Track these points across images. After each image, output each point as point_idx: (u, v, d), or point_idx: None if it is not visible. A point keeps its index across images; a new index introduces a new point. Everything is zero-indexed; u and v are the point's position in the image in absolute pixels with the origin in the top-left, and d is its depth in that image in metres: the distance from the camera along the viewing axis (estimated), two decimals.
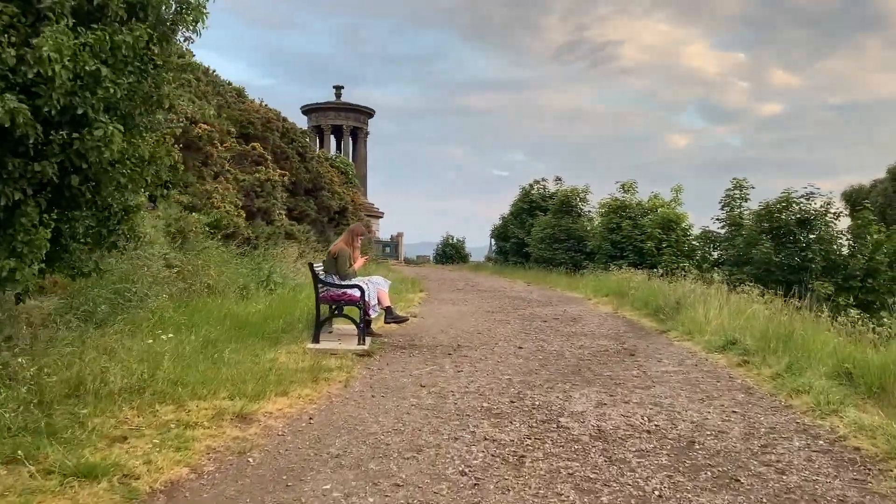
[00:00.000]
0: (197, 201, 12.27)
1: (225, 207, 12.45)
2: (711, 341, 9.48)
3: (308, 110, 46.24)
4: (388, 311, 9.15)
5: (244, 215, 13.48)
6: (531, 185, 34.53)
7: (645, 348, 9.53)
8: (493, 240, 37.73)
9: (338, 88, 45.86)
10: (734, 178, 24.62)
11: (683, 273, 17.37)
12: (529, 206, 33.66)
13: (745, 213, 24.15)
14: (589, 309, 15.33)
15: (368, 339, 8.80)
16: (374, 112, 47.20)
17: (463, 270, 34.57)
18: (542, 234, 29.92)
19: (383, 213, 47.37)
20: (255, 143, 16.26)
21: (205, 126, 12.82)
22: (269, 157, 17.19)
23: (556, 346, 9.64)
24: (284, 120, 22.68)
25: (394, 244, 46.12)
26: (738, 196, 24.41)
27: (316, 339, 8.32)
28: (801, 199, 21.09)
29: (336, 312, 8.56)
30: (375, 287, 9.00)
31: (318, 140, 46.24)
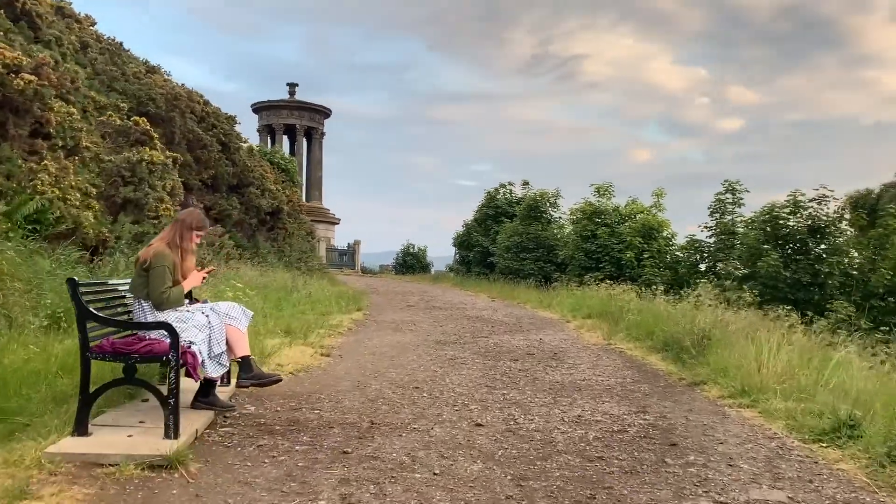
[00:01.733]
0: (10, 184, 8.05)
1: (56, 193, 8.23)
2: (795, 414, 5.54)
3: (259, 108, 41.82)
4: (244, 364, 5.02)
5: (97, 207, 9.25)
6: (496, 189, 30.63)
7: (685, 425, 5.55)
8: (455, 249, 33.73)
9: (291, 86, 41.55)
10: (725, 181, 20.97)
11: (687, 290, 13.48)
12: (495, 211, 29.74)
13: (738, 220, 20.60)
14: (571, 337, 11.36)
15: (200, 418, 4.71)
16: (331, 112, 42.97)
17: (422, 282, 30.44)
18: (509, 243, 26.00)
19: (339, 220, 43.13)
20: (137, 118, 12.01)
21: (30, 77, 8.58)
22: (160, 139, 12.94)
23: (538, 419, 5.61)
24: (205, 103, 18.42)
25: (350, 252, 41.84)
26: (729, 201, 20.79)
27: (81, 430, 4.17)
28: (811, 204, 17.46)
29: (128, 375, 4.38)
30: (221, 323, 4.90)
31: (269, 140, 41.85)
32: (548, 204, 26.80)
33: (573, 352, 9.65)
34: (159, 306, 4.78)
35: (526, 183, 28.47)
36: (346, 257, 41.78)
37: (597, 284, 18.88)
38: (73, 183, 8.93)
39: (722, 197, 20.88)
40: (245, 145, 20.87)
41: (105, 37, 17.28)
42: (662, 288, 14.55)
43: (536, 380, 7.39)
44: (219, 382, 5.18)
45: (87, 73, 13.72)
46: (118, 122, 11.77)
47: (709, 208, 21.06)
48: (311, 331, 9.78)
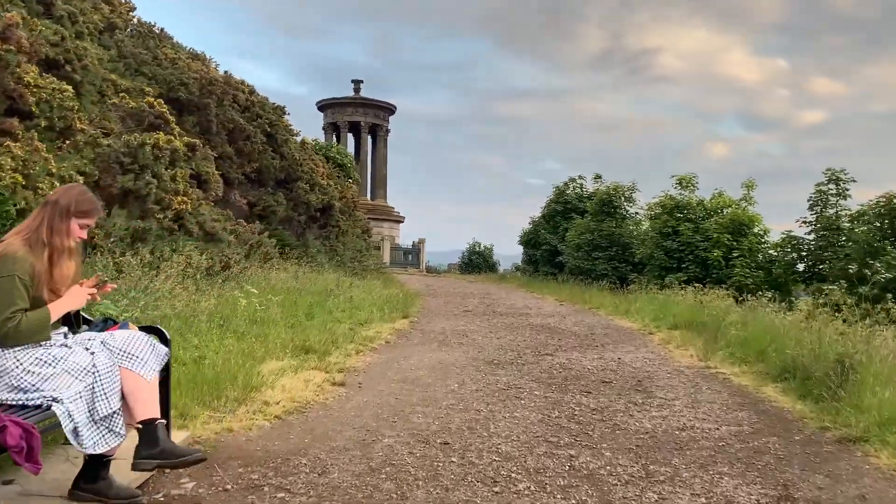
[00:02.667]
0: None
1: (19, 181, 6.59)
2: None
3: (324, 106, 40.57)
4: (145, 433, 3.09)
5: None
6: (566, 184, 28.22)
7: None
8: (522, 248, 31.44)
9: (356, 83, 40.11)
10: (828, 170, 18.05)
11: (797, 297, 10.96)
12: (564, 207, 27.34)
13: (844, 213, 17.71)
14: (657, 355, 9.08)
15: None
16: (395, 108, 41.32)
17: (486, 282, 28.29)
18: (579, 241, 23.60)
19: (404, 218, 41.41)
20: (151, 99, 10.40)
21: None
22: (193, 128, 11.37)
23: None
24: (250, 92, 16.87)
25: (415, 251, 40.09)
26: (832, 193, 17.90)
27: None
28: None
29: None
30: (114, 366, 3.00)
31: (334, 138, 40.54)
32: (622, 198, 24.21)
33: (662, 378, 7.42)
34: (15, 339, 2.91)
35: (598, 176, 25.99)
36: (411, 256, 40.08)
37: (682, 288, 16.42)
38: (53, 169, 7.27)
39: (824, 188, 18.02)
40: (296, 138, 19.28)
41: (145, 22, 15.94)
42: (769, 294, 12.04)
43: (617, 428, 5.23)
44: (113, 457, 3.26)
45: (111, 55, 12.28)
46: (131, 104, 10.19)
47: (808, 200, 18.23)
48: (337, 346, 7.88)
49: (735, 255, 19.07)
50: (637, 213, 24.40)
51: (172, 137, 9.66)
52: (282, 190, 16.92)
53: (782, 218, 70.76)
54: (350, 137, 41.06)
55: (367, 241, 22.87)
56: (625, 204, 24.33)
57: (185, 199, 9.67)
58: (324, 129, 40.48)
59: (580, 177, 27.90)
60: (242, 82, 16.74)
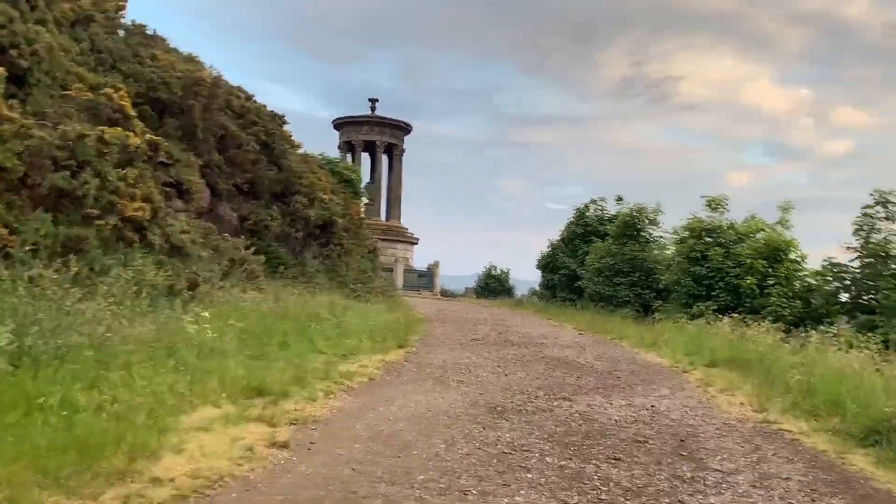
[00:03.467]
0: None
1: None
2: None
3: (340, 124, 39.30)
4: None
5: None
6: (587, 206, 26.51)
7: None
8: (540, 272, 29.68)
9: (372, 101, 38.84)
10: (875, 191, 16.26)
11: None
12: (584, 230, 25.60)
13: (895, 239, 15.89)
14: (698, 401, 7.32)
15: None
16: (411, 128, 39.96)
17: (501, 307, 26.52)
18: (600, 265, 21.86)
19: (418, 240, 39.86)
20: (110, 91, 8.93)
21: None
22: (176, 131, 9.91)
23: None
24: (247, 98, 15.47)
25: (430, 274, 38.42)
26: (881, 216, 16.09)
27: None
28: None
29: None
30: None
31: (349, 156, 39.24)
32: (646, 221, 22.47)
33: (711, 436, 5.68)
34: None
35: (620, 199, 24.24)
36: (425, 279, 38.43)
37: (714, 318, 14.63)
38: None
39: (870, 211, 16.21)
40: (299, 151, 17.84)
41: (138, 24, 14.61)
42: (832, 328, 10.25)
43: None
44: None
45: (82, 48, 10.90)
46: (90, 96, 8.73)
47: (853, 224, 16.43)
48: (302, 387, 6.25)
49: (770, 282, 17.25)
50: (661, 236, 22.68)
51: (131, 133, 8.16)
52: (278, 204, 15.43)
53: (808, 247, 68.22)
54: (366, 158, 39.75)
55: (374, 262, 21.29)
56: (648, 227, 22.59)
57: (143, 205, 8.13)
58: (339, 147, 39.17)
59: (601, 199, 26.22)
60: (239, 88, 15.36)
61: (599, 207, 26.08)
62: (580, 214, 26.37)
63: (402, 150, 39.87)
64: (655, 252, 21.94)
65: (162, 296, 7.89)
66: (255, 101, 15.78)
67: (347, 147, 39.03)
